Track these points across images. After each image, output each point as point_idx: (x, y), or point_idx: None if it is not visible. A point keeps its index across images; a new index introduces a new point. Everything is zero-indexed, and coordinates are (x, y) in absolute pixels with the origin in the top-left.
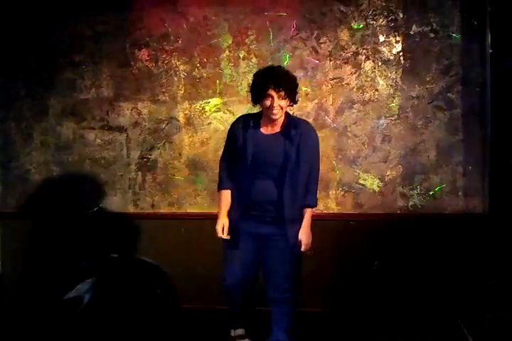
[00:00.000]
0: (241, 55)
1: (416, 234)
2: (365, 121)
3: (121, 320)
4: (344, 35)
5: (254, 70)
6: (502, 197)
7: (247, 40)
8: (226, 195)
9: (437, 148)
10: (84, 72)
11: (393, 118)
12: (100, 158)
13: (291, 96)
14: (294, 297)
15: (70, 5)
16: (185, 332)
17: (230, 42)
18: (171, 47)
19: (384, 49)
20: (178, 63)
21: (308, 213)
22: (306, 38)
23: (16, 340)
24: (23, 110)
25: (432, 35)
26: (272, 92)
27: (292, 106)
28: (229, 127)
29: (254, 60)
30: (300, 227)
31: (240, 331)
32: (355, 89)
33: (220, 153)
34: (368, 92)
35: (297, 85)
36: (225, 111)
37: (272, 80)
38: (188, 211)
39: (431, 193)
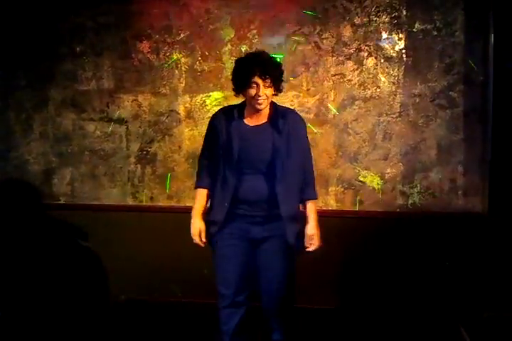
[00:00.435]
0: (243, 49)
1: (415, 233)
2: (366, 118)
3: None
4: (347, 31)
5: None
6: (502, 196)
7: (249, 34)
8: (202, 195)
9: (438, 147)
10: (85, 63)
11: (394, 116)
12: (100, 149)
13: (277, 84)
14: (288, 302)
15: None
16: (182, 327)
17: (232, 35)
18: (173, 40)
19: (386, 46)
20: (179, 56)
21: (311, 206)
22: (309, 33)
23: None
24: (23, 101)
25: (435, 33)
26: (258, 80)
27: (277, 95)
28: (210, 121)
29: None
30: (298, 225)
31: None
32: (356, 86)
33: None
34: (369, 89)
35: (283, 72)
36: (226, 105)
37: (258, 67)
38: (187, 204)
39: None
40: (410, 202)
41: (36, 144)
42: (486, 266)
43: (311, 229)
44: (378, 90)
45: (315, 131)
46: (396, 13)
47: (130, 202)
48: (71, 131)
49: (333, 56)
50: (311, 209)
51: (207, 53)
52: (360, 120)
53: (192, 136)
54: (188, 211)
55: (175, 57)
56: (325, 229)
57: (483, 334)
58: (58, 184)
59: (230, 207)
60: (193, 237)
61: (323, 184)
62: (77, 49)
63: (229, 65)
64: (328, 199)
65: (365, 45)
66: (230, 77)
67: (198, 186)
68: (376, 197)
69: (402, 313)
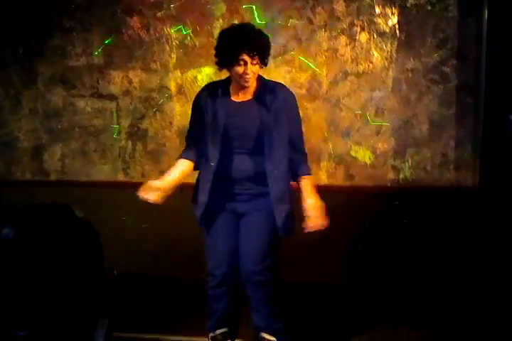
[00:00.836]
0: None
1: (406, 207)
2: (359, 94)
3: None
4: (340, 5)
5: None
6: (493, 170)
7: (241, 10)
8: (181, 163)
9: (430, 122)
10: (74, 38)
11: (387, 91)
12: (90, 126)
13: (265, 59)
14: (270, 280)
15: None
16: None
17: (224, 10)
18: (164, 15)
19: (380, 21)
20: (170, 31)
21: (307, 182)
22: (301, 7)
23: None
24: (12, 76)
25: (428, 7)
26: (246, 58)
27: (262, 68)
28: (195, 98)
29: None
30: (287, 205)
31: (222, 330)
32: (349, 61)
33: None
34: (362, 64)
35: (270, 46)
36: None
37: (246, 44)
38: None
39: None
40: (401, 176)
41: (26, 121)
42: (477, 239)
43: (311, 208)
44: (371, 65)
45: (307, 106)
46: None
47: (121, 178)
48: (61, 107)
49: (325, 31)
50: (306, 185)
51: (198, 28)
52: (353, 95)
53: (183, 112)
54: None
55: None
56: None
57: (472, 305)
58: (49, 161)
59: (216, 185)
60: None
61: (314, 159)
62: (67, 24)
63: None
64: (320, 174)
65: (358, 20)
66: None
67: (180, 156)
68: (367, 171)
69: (395, 287)
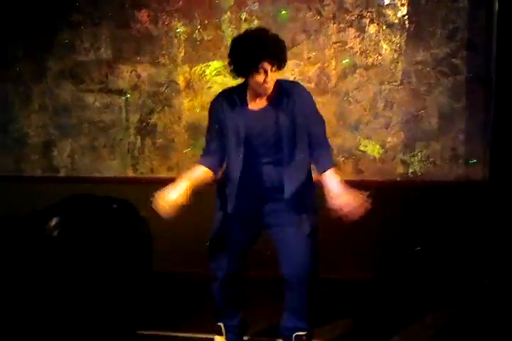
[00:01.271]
0: (243, 17)
1: (416, 201)
2: (368, 87)
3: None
4: None
5: None
6: (503, 164)
7: (248, 2)
8: (200, 170)
9: (440, 115)
10: (82, 33)
11: (396, 84)
12: (99, 121)
13: (283, 65)
14: (311, 282)
15: None
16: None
17: (232, 3)
18: (172, 8)
19: (389, 12)
20: (178, 25)
21: (330, 174)
22: None
23: None
24: (21, 72)
25: None
26: (266, 66)
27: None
28: (210, 106)
29: (256, 21)
30: (307, 208)
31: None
32: (358, 54)
33: None
34: (371, 57)
35: (287, 51)
36: (226, 74)
37: (266, 52)
38: None
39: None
40: (411, 170)
41: (35, 116)
42: (487, 233)
43: (337, 198)
44: (380, 58)
45: (316, 100)
46: None
47: (130, 173)
48: (70, 102)
49: (334, 23)
50: (329, 177)
51: (206, 21)
52: (362, 88)
53: (192, 107)
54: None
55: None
56: (324, 198)
57: (483, 300)
58: (58, 156)
59: (241, 193)
60: (161, 205)
61: None
62: (75, 19)
63: (228, 33)
64: None
65: (367, 12)
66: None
67: (199, 163)
68: (377, 166)
69: (402, 279)
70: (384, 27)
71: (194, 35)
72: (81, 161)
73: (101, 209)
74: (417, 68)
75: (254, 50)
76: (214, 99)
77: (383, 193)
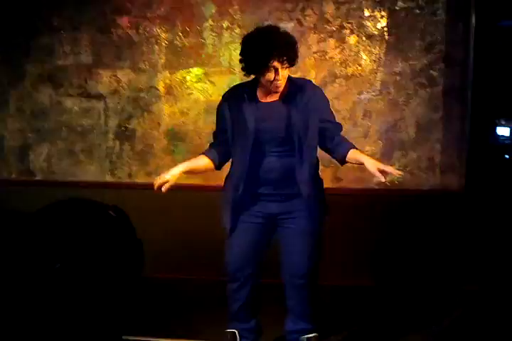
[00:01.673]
0: (224, 25)
1: (392, 210)
2: (347, 96)
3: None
4: (329, 8)
5: (238, 41)
6: (478, 174)
7: (230, 10)
8: (202, 158)
9: (417, 125)
10: (62, 37)
11: (375, 94)
12: (77, 125)
13: (294, 62)
14: (312, 282)
15: None
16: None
17: (214, 11)
18: (153, 15)
19: (369, 24)
20: (159, 31)
21: (355, 152)
22: (291, 9)
23: None
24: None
25: (417, 11)
26: (277, 64)
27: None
28: (220, 101)
29: (237, 30)
30: (317, 203)
31: (231, 331)
32: (338, 64)
33: (200, 124)
34: (351, 67)
35: (297, 46)
36: (207, 81)
37: (276, 50)
38: None
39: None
40: (388, 179)
41: (12, 120)
42: (463, 241)
43: (372, 165)
44: (360, 68)
45: None
46: None
47: (108, 179)
48: (48, 106)
49: (315, 33)
50: (355, 153)
51: (187, 28)
52: (341, 98)
53: (172, 113)
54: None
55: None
56: None
57: (460, 307)
58: (35, 160)
59: (249, 188)
60: (159, 179)
61: None
62: (55, 23)
63: (210, 40)
64: None
65: (348, 23)
66: (211, 53)
67: (202, 153)
68: (355, 174)
69: (379, 288)
70: (364, 38)
71: (175, 42)
72: (58, 165)
73: (96, 214)
74: (396, 79)
75: (264, 48)
76: (224, 95)
77: (360, 201)
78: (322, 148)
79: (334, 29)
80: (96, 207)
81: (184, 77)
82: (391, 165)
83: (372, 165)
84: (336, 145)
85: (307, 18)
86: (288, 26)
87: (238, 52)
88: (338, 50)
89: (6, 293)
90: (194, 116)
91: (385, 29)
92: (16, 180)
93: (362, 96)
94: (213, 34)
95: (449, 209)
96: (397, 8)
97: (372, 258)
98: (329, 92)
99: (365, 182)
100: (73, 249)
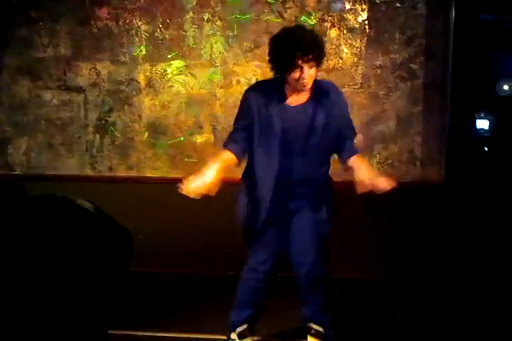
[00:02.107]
0: (205, 17)
1: (373, 202)
2: None
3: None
4: (310, 1)
5: (219, 33)
6: (458, 167)
7: (211, 2)
8: (226, 154)
9: (398, 118)
10: (41, 29)
11: (356, 87)
12: (56, 118)
13: (321, 61)
14: (323, 274)
15: None
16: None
17: (194, 3)
18: (133, 6)
19: (350, 17)
20: (139, 23)
21: (355, 160)
22: (273, 2)
23: None
24: None
25: (397, 4)
26: (301, 62)
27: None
28: (244, 93)
29: (218, 22)
30: (329, 201)
31: (246, 326)
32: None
33: (182, 117)
34: (332, 60)
35: (324, 47)
36: (188, 74)
37: (301, 49)
38: (147, 175)
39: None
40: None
41: None
42: (443, 233)
43: (362, 175)
44: (341, 61)
45: None
46: None
47: (89, 172)
48: (27, 99)
49: None
50: (354, 161)
51: (168, 21)
52: None
53: (152, 106)
54: (148, 182)
55: None
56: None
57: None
58: (14, 154)
59: (271, 186)
60: (191, 188)
61: None
62: (33, 14)
63: (190, 33)
64: None
65: (329, 16)
66: (192, 45)
67: (225, 148)
68: (335, 167)
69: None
70: (345, 31)
71: (155, 34)
72: (37, 159)
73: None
74: (377, 72)
75: (289, 48)
76: (250, 89)
77: (341, 193)
78: (332, 150)
79: (315, 22)
80: (62, 201)
81: (165, 70)
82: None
83: (363, 174)
84: (344, 149)
85: (288, 10)
86: (269, 19)
87: (219, 44)
88: None
89: None
90: (175, 109)
91: (366, 22)
92: None
93: (343, 90)
94: (194, 26)
95: (429, 201)
96: (377, 1)
97: (351, 250)
98: None
99: (346, 175)
100: (46, 242)
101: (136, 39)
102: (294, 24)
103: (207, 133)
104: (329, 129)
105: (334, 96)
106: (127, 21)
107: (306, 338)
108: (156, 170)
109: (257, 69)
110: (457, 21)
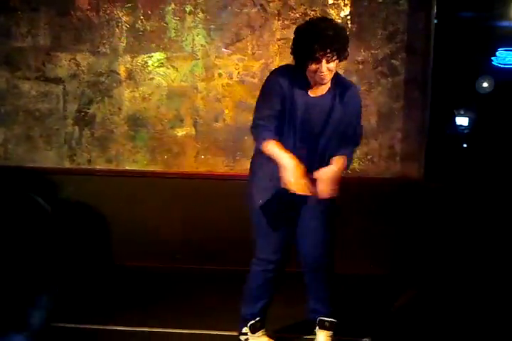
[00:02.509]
0: (187, 9)
1: (353, 198)
2: None
3: None
4: None
5: (201, 26)
6: (437, 163)
7: None
8: (276, 144)
9: (379, 114)
10: (19, 18)
11: None
12: (35, 110)
13: (342, 55)
14: (328, 263)
15: None
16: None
17: None
18: None
19: (332, 12)
20: (120, 14)
21: (338, 159)
22: None
23: None
24: None
25: (380, 0)
26: (320, 55)
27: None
28: (270, 77)
29: (200, 14)
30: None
31: (259, 318)
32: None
33: (162, 109)
34: None
35: (348, 41)
36: (169, 66)
37: (320, 42)
38: (126, 168)
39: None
40: (350, 167)
41: None
42: (422, 229)
43: (322, 172)
44: None
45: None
46: None
47: (67, 165)
48: (4, 90)
49: (278, 20)
50: (337, 159)
51: (149, 12)
52: None
53: (133, 98)
54: (127, 175)
55: None
56: None
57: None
58: None
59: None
60: (302, 187)
61: None
62: (12, 3)
63: (172, 25)
64: None
65: (311, 10)
66: (174, 37)
67: (270, 138)
68: None
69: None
70: None
71: (137, 26)
72: (15, 151)
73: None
74: (358, 67)
75: (309, 40)
76: (278, 74)
77: None
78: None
79: (298, 16)
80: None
81: (146, 62)
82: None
83: (321, 174)
84: (339, 151)
85: (271, 4)
86: (251, 12)
87: (201, 37)
88: None
89: None
90: (156, 102)
91: (348, 17)
92: None
93: None
94: (176, 18)
95: (409, 197)
96: None
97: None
98: None
99: None
100: None
101: (117, 30)
102: (276, 18)
103: (188, 126)
104: (341, 126)
105: (351, 94)
106: (108, 12)
107: (314, 332)
108: (135, 163)
109: (239, 63)
110: (438, 18)
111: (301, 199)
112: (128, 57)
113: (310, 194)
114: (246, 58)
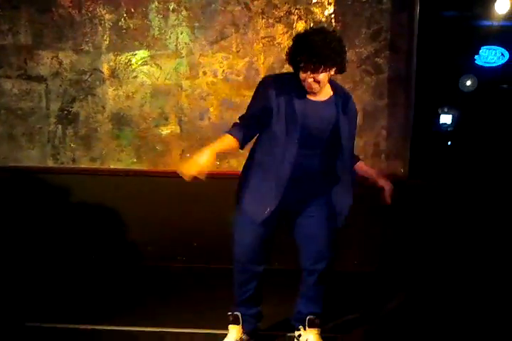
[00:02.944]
0: (171, 7)
1: None
2: None
3: None
4: None
5: (184, 24)
6: (421, 160)
7: None
8: (229, 139)
9: (363, 112)
10: (0, 16)
11: None
12: (17, 108)
13: (336, 67)
14: (329, 269)
15: None
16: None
17: None
18: None
19: (316, 10)
20: (103, 12)
21: (363, 165)
22: None
23: None
24: None
25: None
26: (306, 66)
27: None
28: (263, 80)
29: (184, 12)
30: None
31: (236, 313)
32: (286, 49)
33: (146, 108)
34: None
35: (342, 54)
36: (152, 64)
37: (307, 53)
38: (111, 167)
39: None
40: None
41: None
42: (407, 226)
43: (383, 182)
44: None
45: (244, 93)
46: None
47: (50, 163)
48: None
49: (263, 18)
50: (365, 167)
51: (132, 10)
52: None
53: (116, 96)
54: (112, 174)
55: None
56: None
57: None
58: None
59: (279, 182)
60: (192, 169)
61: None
62: None
63: (155, 23)
64: None
65: (296, 9)
66: (157, 35)
67: (227, 132)
68: None
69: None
70: (311, 24)
71: (120, 23)
72: None
73: None
74: None
75: (297, 49)
76: (269, 79)
77: None
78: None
79: (282, 14)
80: None
81: (129, 60)
82: None
83: (386, 184)
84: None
85: (255, 2)
86: (235, 10)
87: (185, 35)
88: (286, 35)
89: None
90: (140, 100)
91: (332, 16)
92: None
93: None
94: (159, 16)
95: (393, 194)
96: None
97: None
98: None
99: None
100: None
101: (100, 28)
102: (260, 16)
103: (172, 124)
104: (352, 135)
105: (352, 105)
106: (90, 9)
107: (298, 328)
108: (120, 161)
109: (223, 61)
110: (421, 17)
111: (299, 207)
112: (111, 55)
113: (188, 179)
114: (230, 56)
